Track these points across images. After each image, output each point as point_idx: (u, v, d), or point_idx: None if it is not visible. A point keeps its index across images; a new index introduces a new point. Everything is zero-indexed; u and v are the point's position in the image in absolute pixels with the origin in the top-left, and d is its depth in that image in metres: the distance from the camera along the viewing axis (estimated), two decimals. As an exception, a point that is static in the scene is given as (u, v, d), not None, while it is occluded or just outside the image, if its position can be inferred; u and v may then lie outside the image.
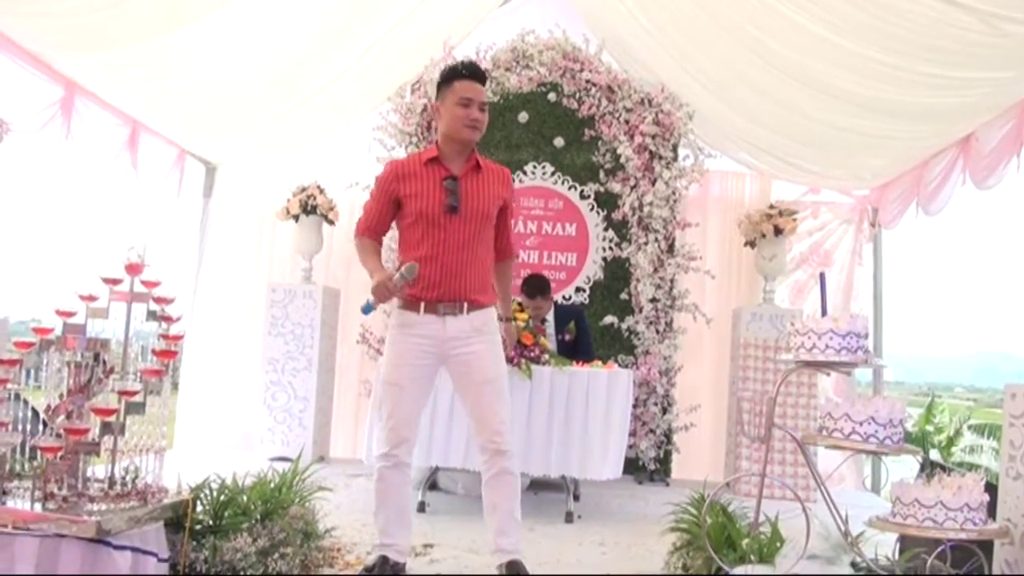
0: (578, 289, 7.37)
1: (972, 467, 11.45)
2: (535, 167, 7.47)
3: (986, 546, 3.38)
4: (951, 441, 13.70)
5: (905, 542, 3.70)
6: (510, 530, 3.95)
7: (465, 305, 3.91)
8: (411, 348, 3.94)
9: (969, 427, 14.23)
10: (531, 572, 3.88)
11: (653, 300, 7.18)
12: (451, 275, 3.88)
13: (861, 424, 3.31)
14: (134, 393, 3.49)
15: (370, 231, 4.07)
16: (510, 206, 4.15)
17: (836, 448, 3.44)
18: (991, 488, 3.49)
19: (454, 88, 3.96)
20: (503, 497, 3.95)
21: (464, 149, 4.00)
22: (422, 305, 3.90)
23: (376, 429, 4.72)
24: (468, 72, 3.99)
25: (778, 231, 7.41)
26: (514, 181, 7.22)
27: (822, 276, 3.94)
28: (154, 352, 3.65)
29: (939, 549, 3.14)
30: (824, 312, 3.77)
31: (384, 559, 3.94)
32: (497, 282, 4.22)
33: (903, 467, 7.83)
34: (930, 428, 14.09)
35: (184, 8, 5.67)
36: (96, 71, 6.14)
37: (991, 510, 3.37)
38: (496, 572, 3.91)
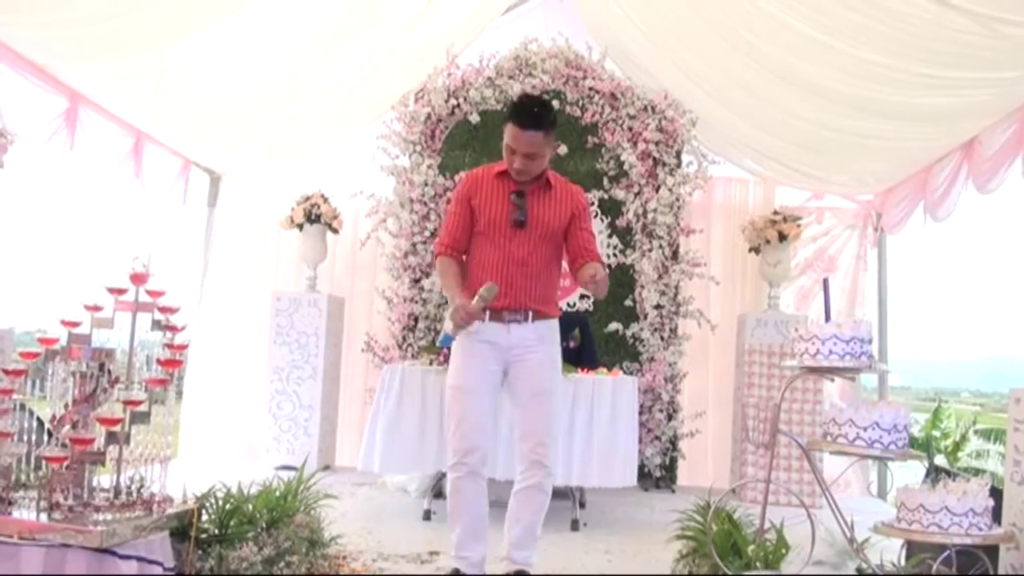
0: (582, 296, 7.36)
1: (978, 472, 11.40)
2: (539, 175, 7.46)
3: (991, 551, 3.38)
4: (957, 446, 13.65)
5: (911, 548, 3.70)
6: (527, 544, 3.97)
7: (530, 314, 3.96)
8: (477, 354, 3.96)
9: (975, 432, 14.18)
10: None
11: (658, 307, 7.18)
12: (516, 286, 3.93)
13: (865, 430, 3.31)
14: (139, 403, 3.49)
15: (450, 246, 4.09)
16: (580, 220, 4.08)
17: (841, 454, 3.43)
18: (996, 493, 3.49)
19: (507, 129, 3.93)
20: (529, 511, 3.96)
21: None
22: (488, 313, 3.92)
23: (376, 437, 4.71)
24: (517, 119, 3.89)
25: (782, 237, 7.42)
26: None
27: (825, 282, 3.94)
28: (159, 361, 3.66)
29: (944, 554, 3.13)
30: (828, 317, 3.78)
31: (457, 572, 3.94)
32: (578, 277, 4.06)
33: (909, 473, 7.83)
34: (936, 433, 14.05)
35: (188, 18, 5.69)
36: (100, 82, 6.16)
37: (996, 515, 3.36)
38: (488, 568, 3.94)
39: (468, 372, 3.96)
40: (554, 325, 4.06)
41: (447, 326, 3.89)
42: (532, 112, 3.88)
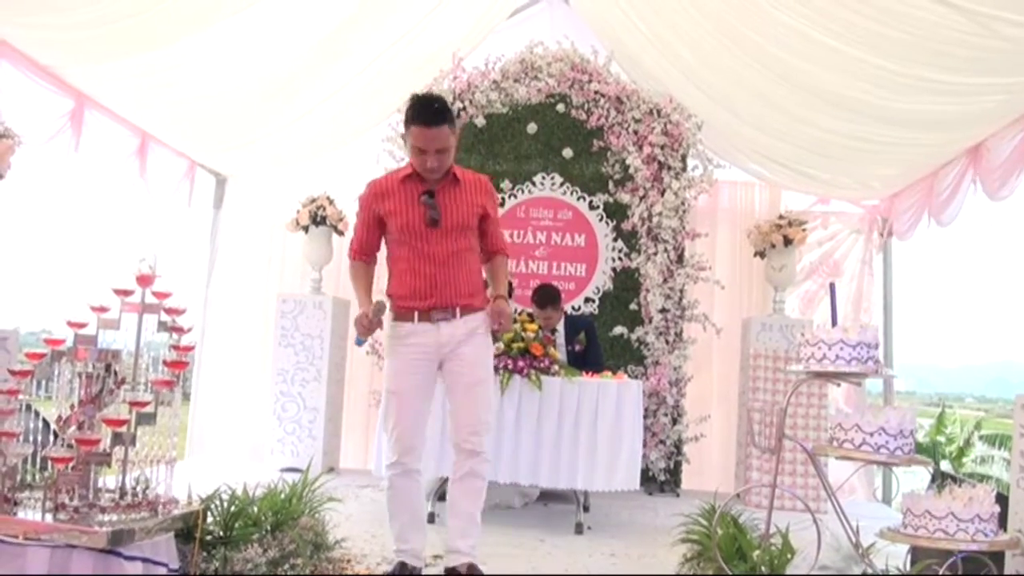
0: (587, 299, 7.37)
1: (983, 478, 11.39)
2: (544, 178, 7.48)
3: (997, 557, 3.37)
4: (962, 452, 13.62)
5: (916, 553, 3.69)
6: (470, 532, 4.06)
7: (458, 310, 4.01)
8: (408, 357, 4.02)
9: (980, 437, 14.16)
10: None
11: (663, 310, 7.18)
12: (440, 285, 3.98)
13: (871, 435, 3.30)
14: (145, 404, 3.50)
15: (360, 252, 4.19)
16: (491, 212, 4.18)
17: (847, 459, 3.43)
18: (1002, 499, 3.48)
19: (411, 132, 3.95)
20: (468, 499, 4.05)
21: None
22: (416, 314, 4.00)
23: (383, 439, 4.73)
24: (422, 119, 3.88)
25: (788, 241, 7.41)
26: (522, 192, 7.27)
27: (832, 286, 3.94)
28: (165, 363, 3.66)
29: (950, 560, 3.13)
30: (834, 322, 3.77)
31: (402, 564, 4.02)
32: (488, 273, 4.25)
33: (914, 478, 7.81)
34: (941, 439, 14.02)
35: (194, 19, 5.71)
36: (106, 83, 6.18)
37: (1002, 521, 3.36)
38: (444, 573, 4.03)
39: (400, 376, 4.03)
40: (483, 316, 4.10)
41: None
42: (433, 109, 3.90)
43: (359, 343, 4.05)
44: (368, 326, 3.94)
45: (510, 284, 6.49)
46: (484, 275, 4.23)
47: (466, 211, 4.03)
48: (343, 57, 7.00)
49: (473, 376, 4.03)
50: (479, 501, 4.08)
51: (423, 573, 4.09)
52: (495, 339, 4.55)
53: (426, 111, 3.89)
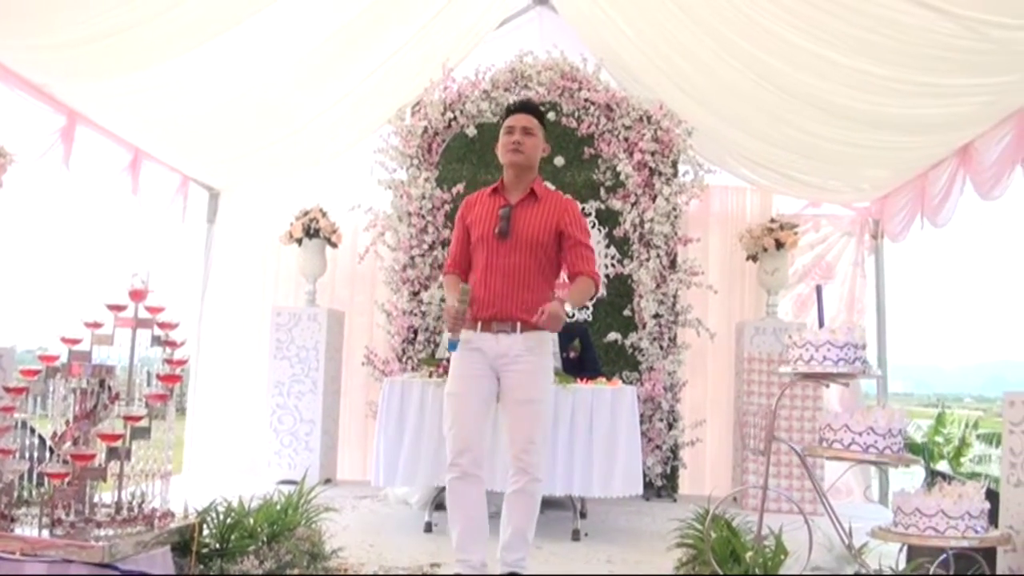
0: (581, 306, 7.38)
1: (980, 477, 11.38)
2: (536, 186, 7.50)
3: (989, 553, 3.39)
4: (959, 451, 13.62)
5: (910, 552, 3.72)
6: (518, 547, 4.06)
7: (518, 325, 4.06)
8: (468, 362, 4.11)
9: (978, 436, 14.15)
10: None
11: (656, 316, 7.20)
12: (502, 297, 4.07)
13: (860, 435, 3.33)
14: (139, 418, 3.52)
15: (454, 265, 4.34)
16: (571, 231, 4.18)
17: (836, 459, 3.46)
18: (993, 495, 3.51)
19: (504, 124, 4.26)
20: (519, 515, 4.06)
21: (520, 177, 4.21)
22: (479, 324, 4.09)
23: (380, 448, 4.77)
24: (515, 108, 4.32)
25: (779, 245, 7.44)
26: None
27: (819, 288, 3.98)
28: (158, 377, 3.68)
29: (941, 557, 3.15)
30: (821, 324, 3.80)
31: None
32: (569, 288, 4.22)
33: (909, 479, 7.83)
34: (940, 439, 14.01)
35: (185, 36, 5.73)
36: (98, 100, 6.20)
37: (993, 517, 3.38)
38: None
39: (460, 379, 4.12)
40: (545, 336, 4.13)
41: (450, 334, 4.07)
42: (526, 101, 4.49)
43: (451, 347, 4.08)
44: (456, 315, 3.98)
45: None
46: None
47: (539, 227, 4.13)
48: (334, 72, 7.02)
49: (526, 393, 4.06)
50: (530, 518, 4.09)
51: None
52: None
53: (517, 103, 4.40)
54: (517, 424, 4.06)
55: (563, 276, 4.32)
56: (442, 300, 6.50)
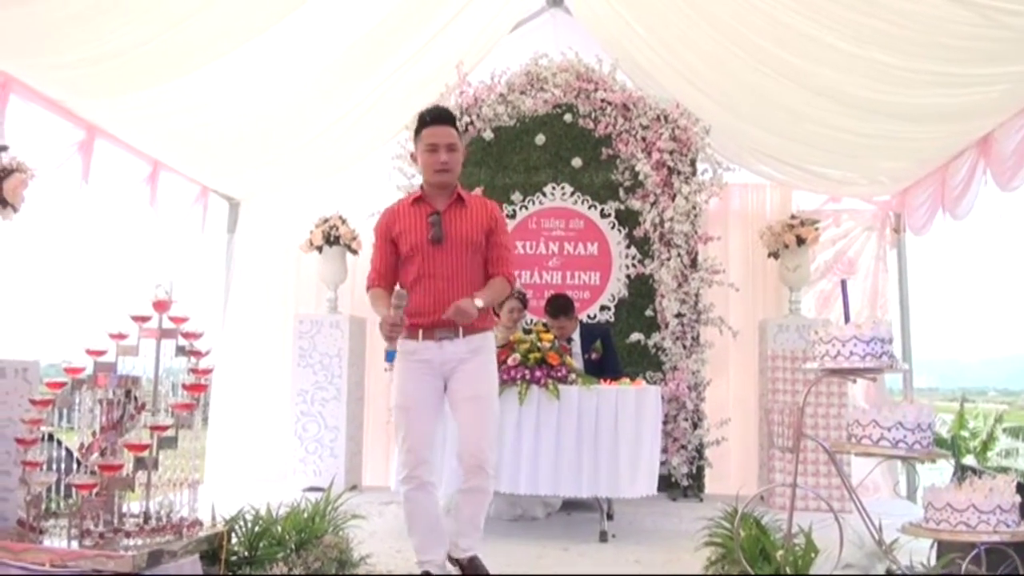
0: (603, 307, 7.37)
1: (1008, 471, 11.30)
2: (554, 188, 7.51)
3: (1021, 548, 3.35)
4: (985, 446, 13.52)
5: (941, 547, 3.68)
6: (470, 533, 4.21)
7: (461, 329, 4.10)
8: (414, 373, 4.14)
9: (1004, 430, 14.04)
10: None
11: (678, 315, 7.18)
12: (443, 302, 4.06)
13: (889, 430, 3.30)
14: (166, 428, 3.53)
15: (379, 279, 4.31)
16: (497, 234, 4.28)
17: (866, 455, 3.42)
18: (1023, 489, 3.46)
19: (422, 136, 4.23)
20: (471, 507, 4.20)
21: (444, 187, 4.24)
22: (421, 332, 4.12)
23: (396, 454, 4.81)
24: (431, 118, 4.24)
25: (800, 241, 7.39)
26: (533, 203, 7.30)
27: (843, 283, 3.94)
28: (184, 386, 3.69)
29: (973, 552, 3.11)
30: (847, 319, 3.77)
31: (427, 574, 4.09)
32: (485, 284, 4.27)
33: (938, 475, 7.77)
34: (965, 433, 13.91)
35: (199, 50, 5.77)
36: (116, 114, 6.24)
37: (1024, 511, 3.34)
38: (453, 568, 4.20)
39: (407, 392, 4.15)
40: (488, 336, 4.25)
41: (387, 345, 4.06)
42: (439, 110, 4.32)
43: (389, 358, 4.07)
44: (392, 324, 3.97)
45: (523, 294, 6.52)
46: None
47: (471, 229, 4.19)
48: (351, 79, 7.05)
49: (474, 390, 4.13)
50: (482, 508, 4.23)
51: None
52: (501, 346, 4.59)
53: (432, 113, 4.27)
54: (468, 421, 4.14)
55: None
56: None
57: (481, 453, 4.09)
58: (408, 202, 4.29)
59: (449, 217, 4.17)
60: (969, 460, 12.37)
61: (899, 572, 3.41)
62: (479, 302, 4.02)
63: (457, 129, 4.29)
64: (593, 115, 7.48)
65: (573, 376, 5.73)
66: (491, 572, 4.18)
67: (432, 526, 4.16)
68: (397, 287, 4.15)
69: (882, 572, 3.39)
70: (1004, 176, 5.98)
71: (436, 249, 4.12)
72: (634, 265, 7.37)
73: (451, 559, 4.20)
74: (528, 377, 5.59)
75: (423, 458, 4.11)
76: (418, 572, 4.12)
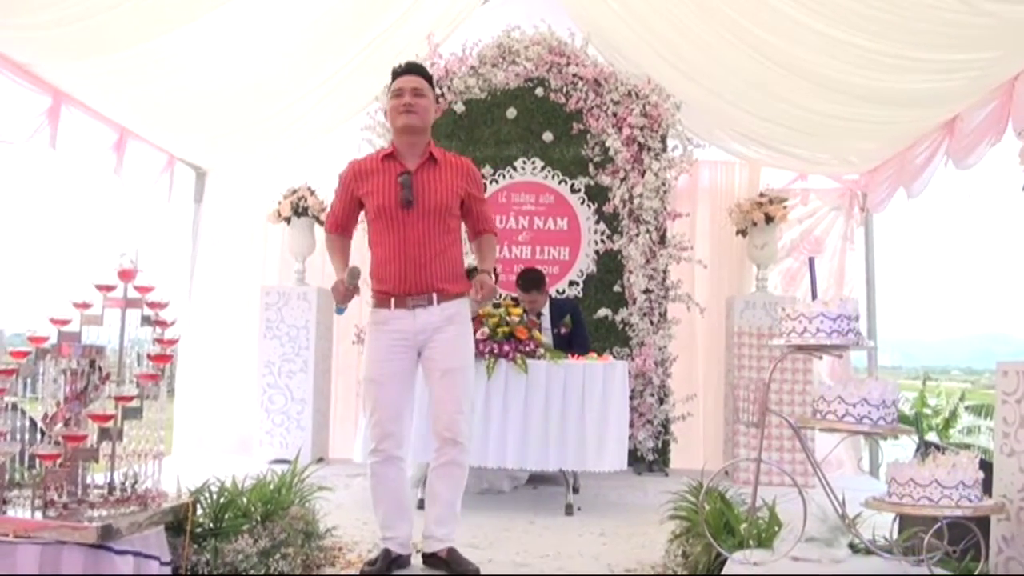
0: (571, 283, 7.38)
1: (970, 448, 11.47)
2: (525, 162, 7.49)
3: (982, 522, 3.40)
4: (947, 423, 13.74)
5: (903, 522, 3.73)
6: (448, 520, 4.06)
7: (435, 296, 3.96)
8: (386, 344, 4.00)
9: (966, 408, 14.28)
10: (532, 563, 3.91)
11: (646, 291, 7.21)
12: (416, 268, 3.93)
13: (854, 406, 3.32)
14: (131, 398, 3.50)
15: (337, 226, 4.21)
16: (475, 193, 4.16)
17: (830, 430, 3.45)
18: (987, 466, 3.51)
19: (392, 88, 4.09)
20: (447, 488, 4.05)
21: (415, 142, 4.04)
22: (392, 300, 3.97)
23: (364, 427, 4.73)
24: (401, 70, 4.11)
25: (769, 219, 7.44)
26: (504, 177, 7.27)
27: (811, 260, 3.95)
28: (149, 357, 3.66)
29: (936, 527, 3.15)
30: (814, 296, 3.80)
31: (387, 552, 4.02)
32: (476, 252, 4.27)
33: (900, 450, 7.86)
34: (928, 411, 14.13)
35: (171, 14, 5.67)
36: (83, 79, 6.13)
37: (987, 488, 3.39)
38: (423, 559, 4.08)
39: (377, 364, 4.01)
40: (463, 303, 4.07)
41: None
42: (411, 62, 4.20)
43: (339, 311, 4.07)
44: (344, 292, 3.94)
45: (495, 270, 6.51)
46: (468, 259, 4.21)
47: (444, 192, 3.99)
48: (322, 50, 6.97)
49: (449, 362, 3.98)
50: (459, 490, 4.07)
51: (410, 563, 4.09)
52: (475, 317, 4.53)
53: (403, 65, 4.13)
54: (443, 394, 3.99)
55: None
56: None
57: (456, 426, 3.97)
58: (378, 158, 4.09)
59: (420, 178, 3.97)
60: (932, 437, 12.56)
61: (862, 545, 3.44)
62: (487, 272, 3.98)
63: (429, 81, 4.11)
64: (564, 90, 7.46)
65: (541, 351, 5.75)
66: (456, 547, 4.06)
67: (398, 501, 4.06)
68: (351, 265, 4.01)
69: (845, 545, 3.42)
70: (960, 153, 6.04)
71: (406, 212, 3.91)
72: (603, 241, 7.38)
73: (426, 555, 4.05)
74: (496, 351, 5.59)
75: (390, 432, 3.97)
76: (380, 547, 4.06)
